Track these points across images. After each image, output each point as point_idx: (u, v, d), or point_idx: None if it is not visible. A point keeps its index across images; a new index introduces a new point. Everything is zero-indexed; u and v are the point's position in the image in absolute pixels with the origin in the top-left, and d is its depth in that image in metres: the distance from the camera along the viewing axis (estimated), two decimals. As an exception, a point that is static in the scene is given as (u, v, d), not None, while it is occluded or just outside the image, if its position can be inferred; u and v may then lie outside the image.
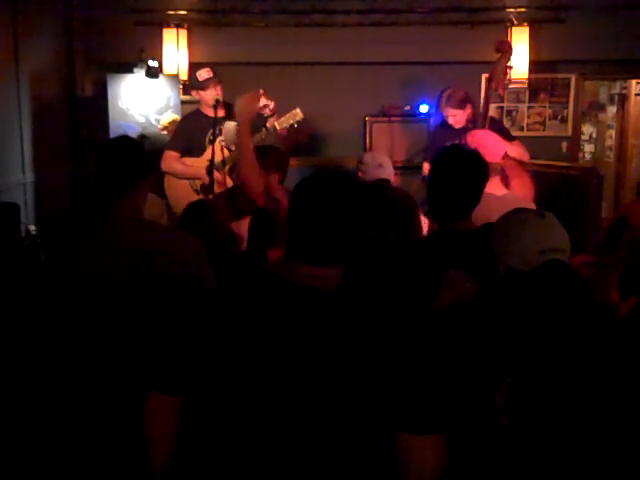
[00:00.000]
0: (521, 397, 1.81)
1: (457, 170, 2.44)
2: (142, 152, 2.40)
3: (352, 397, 1.38)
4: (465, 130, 4.40)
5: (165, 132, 5.46)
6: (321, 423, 1.39)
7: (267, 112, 4.27)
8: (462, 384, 1.86)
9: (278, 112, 4.34)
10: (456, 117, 4.46)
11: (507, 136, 4.37)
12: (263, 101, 4.15)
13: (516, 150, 4.23)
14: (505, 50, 4.35)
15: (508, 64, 4.47)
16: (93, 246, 2.25)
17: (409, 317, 1.48)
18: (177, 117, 5.40)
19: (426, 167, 4.63)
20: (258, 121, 4.39)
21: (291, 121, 4.27)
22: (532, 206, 3.12)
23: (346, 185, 1.48)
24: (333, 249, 1.45)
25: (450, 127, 4.60)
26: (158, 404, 1.55)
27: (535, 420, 1.80)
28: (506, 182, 3.94)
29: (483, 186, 2.48)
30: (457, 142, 4.35)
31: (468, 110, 4.47)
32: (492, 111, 6.12)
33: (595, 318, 1.93)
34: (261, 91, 4.14)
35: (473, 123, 4.29)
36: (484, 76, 6.10)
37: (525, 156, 4.28)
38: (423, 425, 1.40)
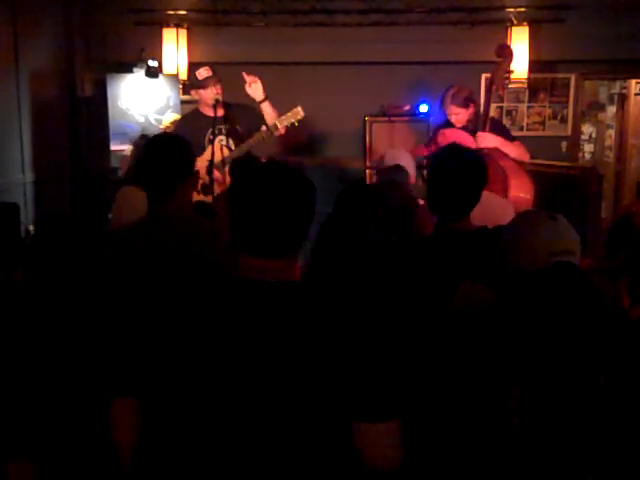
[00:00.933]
0: (532, 400, 1.81)
1: (456, 170, 2.44)
2: (188, 149, 2.44)
3: (304, 389, 1.39)
4: (465, 129, 4.40)
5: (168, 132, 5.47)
6: (275, 415, 1.39)
7: (258, 96, 4.29)
8: (420, 372, 1.88)
9: (278, 112, 4.35)
10: (459, 116, 4.46)
11: (507, 136, 4.37)
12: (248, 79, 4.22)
13: (516, 150, 4.23)
14: (506, 55, 4.35)
15: (509, 68, 4.47)
16: (147, 246, 2.25)
17: (364, 310, 1.50)
18: (179, 117, 5.41)
19: None
20: (258, 120, 4.40)
21: (292, 120, 4.27)
22: (525, 203, 3.11)
23: (289, 176, 1.50)
24: (276, 240, 1.46)
25: (450, 126, 4.60)
26: (116, 405, 1.60)
27: (546, 422, 1.81)
28: (505, 183, 3.95)
29: (482, 185, 2.48)
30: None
31: (471, 109, 4.47)
32: (492, 111, 6.12)
33: (606, 320, 1.93)
34: (252, 77, 4.21)
35: (474, 123, 4.28)
36: (484, 76, 6.11)
37: (525, 156, 4.28)
38: (375, 413, 1.41)
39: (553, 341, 1.84)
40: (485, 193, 2.49)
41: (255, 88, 4.30)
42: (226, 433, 1.41)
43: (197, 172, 2.49)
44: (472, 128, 4.23)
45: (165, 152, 2.38)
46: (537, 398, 1.81)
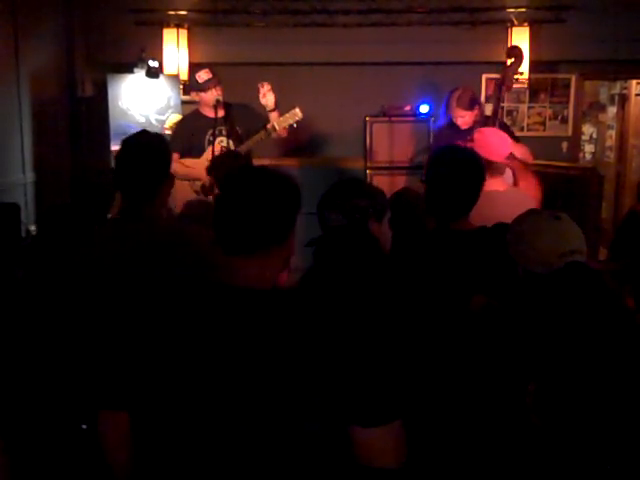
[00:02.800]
0: (548, 398, 1.81)
1: (454, 170, 2.44)
2: (168, 148, 2.39)
3: (299, 395, 1.37)
4: (470, 131, 4.40)
5: (170, 132, 5.46)
6: (268, 425, 1.37)
7: (269, 106, 4.30)
8: (452, 377, 1.87)
9: (278, 112, 4.35)
10: (465, 118, 4.46)
11: (513, 138, 4.37)
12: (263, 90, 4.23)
13: (523, 151, 4.23)
14: (517, 55, 4.36)
15: (519, 69, 4.47)
16: (124, 245, 2.21)
17: (361, 311, 1.49)
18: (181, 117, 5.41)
19: None
20: (258, 120, 4.40)
21: (290, 121, 4.28)
22: (537, 206, 3.12)
23: (263, 177, 1.51)
24: (242, 236, 1.46)
25: (455, 128, 4.59)
26: (105, 418, 1.56)
27: (563, 419, 1.81)
28: (515, 184, 3.95)
29: (480, 185, 2.48)
30: (461, 143, 4.36)
31: (476, 111, 4.48)
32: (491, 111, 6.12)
33: (621, 319, 1.92)
34: (267, 86, 4.22)
35: (479, 124, 4.28)
36: (485, 76, 6.12)
37: (530, 158, 4.28)
38: (373, 417, 1.39)
39: (567, 340, 1.83)
40: (490, 191, 2.49)
41: (268, 98, 4.30)
42: (221, 441, 1.39)
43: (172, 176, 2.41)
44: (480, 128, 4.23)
45: (145, 152, 2.30)
46: (553, 395, 1.81)
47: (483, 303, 2.07)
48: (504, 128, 4.45)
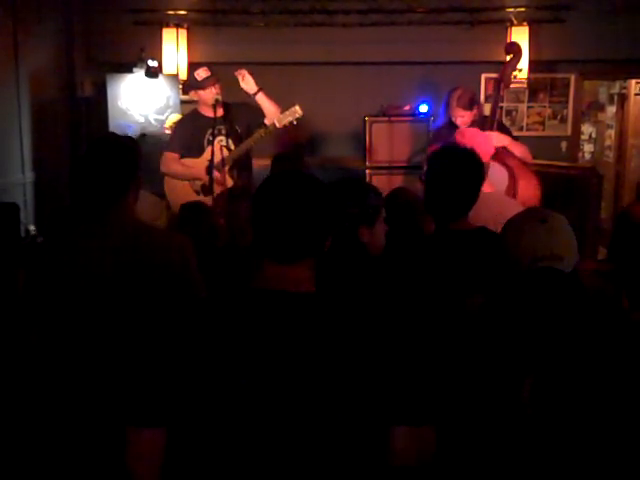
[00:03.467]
0: (544, 390, 1.81)
1: (453, 170, 2.44)
2: (135, 150, 2.34)
3: (341, 400, 1.38)
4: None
5: (170, 132, 5.47)
6: (314, 429, 1.38)
7: (251, 89, 4.31)
8: (460, 376, 1.87)
9: (263, 93, 4.35)
10: (464, 118, 4.46)
11: (511, 136, 4.37)
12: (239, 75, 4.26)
13: (521, 150, 4.22)
14: (515, 52, 4.35)
15: (517, 66, 4.47)
16: (92, 248, 2.20)
17: (391, 314, 1.49)
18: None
19: None
20: (257, 118, 4.40)
21: (290, 118, 4.28)
22: (533, 204, 3.11)
23: (307, 182, 1.50)
24: (297, 245, 1.46)
25: (454, 128, 4.59)
26: (139, 437, 1.44)
27: (557, 413, 1.81)
28: (514, 183, 3.95)
29: (480, 185, 2.49)
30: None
31: (475, 111, 4.48)
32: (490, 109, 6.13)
33: (599, 324, 1.92)
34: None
35: (479, 124, 4.27)
36: (484, 76, 6.12)
37: (529, 157, 4.28)
38: (416, 417, 1.41)
39: (541, 344, 1.84)
40: (497, 194, 2.49)
41: (247, 81, 4.32)
42: (261, 451, 1.39)
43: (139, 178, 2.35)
44: (479, 128, 4.23)
45: (111, 155, 2.24)
46: (549, 388, 1.81)
47: (480, 302, 2.07)
48: (502, 127, 4.46)
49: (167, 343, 1.45)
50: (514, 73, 4.37)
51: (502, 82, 4.31)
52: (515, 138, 4.44)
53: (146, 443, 1.43)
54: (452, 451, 1.85)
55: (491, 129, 4.14)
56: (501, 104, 6.20)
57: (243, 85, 4.35)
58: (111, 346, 2.16)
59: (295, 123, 4.31)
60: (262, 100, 4.33)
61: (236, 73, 4.33)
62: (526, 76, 5.78)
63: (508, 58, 4.37)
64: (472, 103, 4.39)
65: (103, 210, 2.24)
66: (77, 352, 2.20)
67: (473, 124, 4.39)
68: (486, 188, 3.20)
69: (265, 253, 1.48)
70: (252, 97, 4.36)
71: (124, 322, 2.16)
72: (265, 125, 4.33)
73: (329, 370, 1.38)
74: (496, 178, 3.68)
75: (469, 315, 2.06)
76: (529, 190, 3.96)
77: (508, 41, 5.66)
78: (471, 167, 2.46)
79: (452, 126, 4.54)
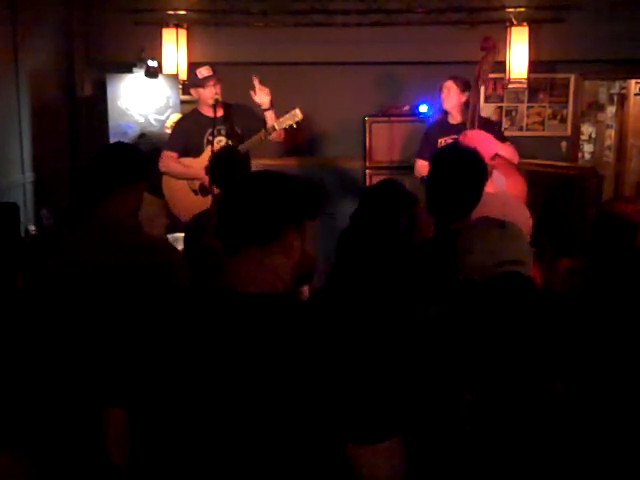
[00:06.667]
0: (481, 409, 1.81)
1: (456, 170, 2.44)
2: (133, 159, 2.42)
3: (293, 411, 1.31)
4: (458, 127, 4.40)
5: (170, 131, 5.46)
6: (263, 438, 1.33)
7: (264, 105, 4.31)
8: (415, 389, 1.85)
9: (277, 113, 4.35)
10: (450, 92, 4.48)
11: (498, 136, 4.38)
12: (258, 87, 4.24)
13: (506, 150, 4.23)
14: (489, 48, 4.34)
15: (494, 61, 4.46)
16: (75, 243, 2.31)
17: (342, 320, 1.43)
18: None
19: (419, 164, 4.63)
20: (257, 121, 4.41)
21: (290, 122, 4.28)
22: (524, 204, 3.11)
23: (261, 177, 1.51)
24: (233, 234, 1.46)
25: (444, 125, 4.61)
26: (107, 414, 1.59)
27: (496, 429, 1.80)
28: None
29: (483, 185, 2.48)
30: (452, 139, 4.38)
31: (462, 97, 4.48)
32: (491, 111, 6.14)
33: (560, 329, 1.90)
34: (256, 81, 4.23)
35: (470, 124, 4.28)
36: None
37: (515, 158, 4.28)
38: (370, 434, 1.34)
39: (501, 351, 1.83)
40: (502, 194, 2.49)
41: (263, 97, 4.31)
42: (216, 445, 1.36)
43: (146, 181, 2.47)
44: (466, 127, 4.23)
45: (105, 156, 2.42)
46: (487, 405, 1.80)
47: (436, 312, 2.06)
48: (488, 125, 4.45)
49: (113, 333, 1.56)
50: (484, 68, 4.34)
51: (479, 79, 4.31)
52: (505, 139, 4.44)
53: (112, 419, 1.58)
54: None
55: (472, 126, 4.15)
56: (501, 104, 6.21)
57: (256, 98, 4.34)
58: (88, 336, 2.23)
59: (295, 127, 4.32)
60: (269, 116, 4.34)
61: (256, 82, 4.34)
62: (526, 76, 5.78)
63: (484, 54, 4.37)
64: (463, 84, 4.42)
65: (88, 208, 2.36)
66: (60, 342, 2.28)
67: (463, 114, 4.40)
68: (488, 188, 3.21)
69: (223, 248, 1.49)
70: (259, 107, 4.36)
71: (100, 316, 2.22)
72: (265, 127, 4.33)
73: (255, 383, 1.32)
74: (496, 178, 3.69)
75: (427, 324, 2.03)
76: (515, 188, 3.96)
77: (508, 41, 5.67)
78: (474, 167, 2.46)
79: (440, 123, 4.56)
